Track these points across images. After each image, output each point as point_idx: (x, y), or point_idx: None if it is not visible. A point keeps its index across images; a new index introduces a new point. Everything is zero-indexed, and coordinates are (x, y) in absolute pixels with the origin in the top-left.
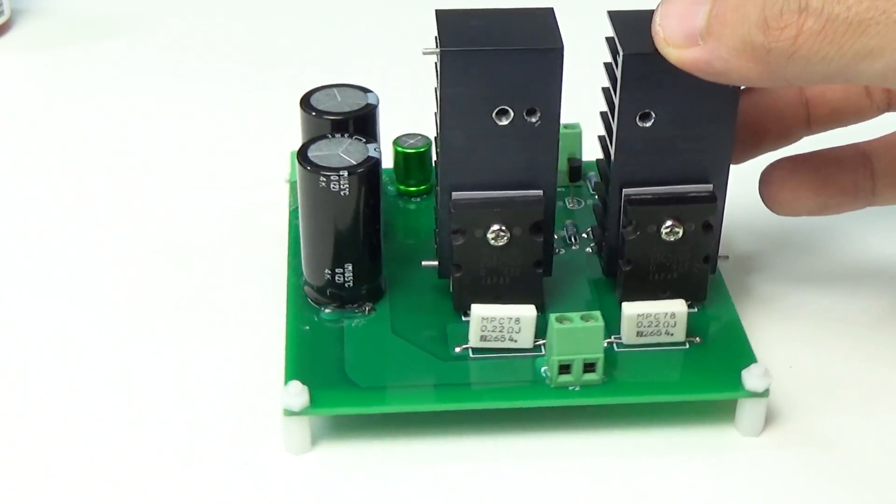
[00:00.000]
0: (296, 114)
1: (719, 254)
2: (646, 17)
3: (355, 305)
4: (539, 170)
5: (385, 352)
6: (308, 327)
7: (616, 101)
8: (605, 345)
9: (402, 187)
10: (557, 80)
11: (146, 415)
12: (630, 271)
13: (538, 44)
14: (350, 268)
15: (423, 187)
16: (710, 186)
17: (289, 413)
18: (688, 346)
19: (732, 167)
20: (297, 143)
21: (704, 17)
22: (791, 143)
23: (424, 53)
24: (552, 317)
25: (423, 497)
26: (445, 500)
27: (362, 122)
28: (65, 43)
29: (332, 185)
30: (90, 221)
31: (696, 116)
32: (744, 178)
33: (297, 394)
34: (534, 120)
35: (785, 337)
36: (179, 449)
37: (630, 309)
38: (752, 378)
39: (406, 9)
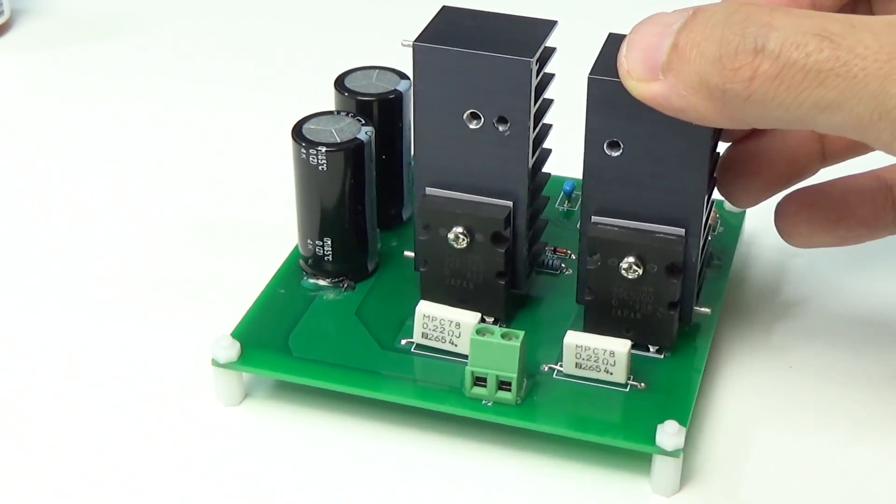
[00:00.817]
0: (297, 113)
1: (700, 306)
2: None
3: (336, 280)
4: (509, 180)
5: (336, 329)
6: (283, 291)
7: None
8: (546, 369)
9: None
10: (526, 92)
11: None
12: (592, 302)
13: (509, 52)
14: (329, 242)
15: None
16: (681, 231)
17: (215, 364)
18: (628, 388)
19: None
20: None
21: (666, 51)
22: (806, 179)
23: (403, 45)
24: (475, 327)
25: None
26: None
27: (387, 107)
28: (65, 43)
29: (311, 159)
30: (90, 221)
31: (666, 154)
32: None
33: (226, 347)
34: (503, 129)
35: (758, 404)
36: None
37: (571, 338)
38: (664, 434)
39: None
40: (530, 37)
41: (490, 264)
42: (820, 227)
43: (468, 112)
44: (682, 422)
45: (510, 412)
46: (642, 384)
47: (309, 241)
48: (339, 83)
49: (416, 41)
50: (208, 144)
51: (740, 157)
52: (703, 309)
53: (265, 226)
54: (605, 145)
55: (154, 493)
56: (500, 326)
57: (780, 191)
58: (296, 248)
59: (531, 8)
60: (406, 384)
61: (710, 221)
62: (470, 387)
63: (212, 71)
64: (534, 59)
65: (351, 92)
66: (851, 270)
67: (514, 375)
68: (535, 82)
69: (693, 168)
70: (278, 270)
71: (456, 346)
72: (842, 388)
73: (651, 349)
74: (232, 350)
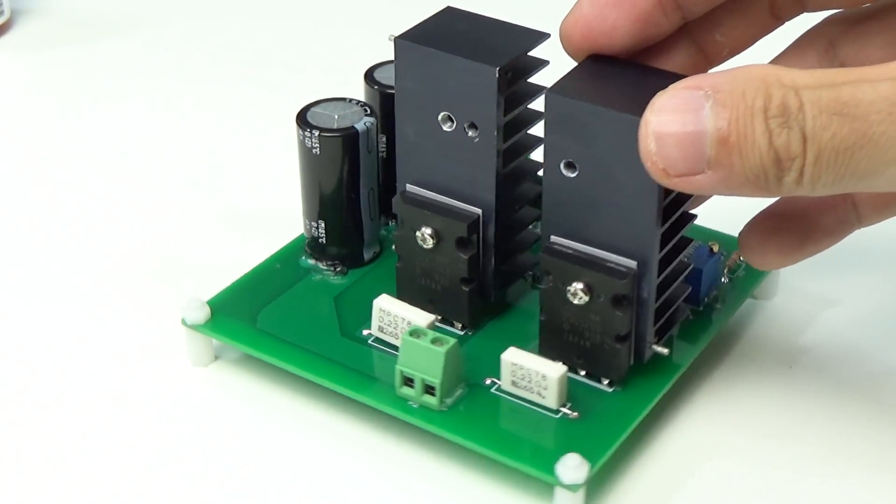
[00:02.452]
0: (292, 111)
1: (658, 347)
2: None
3: (330, 264)
4: (478, 187)
5: (308, 311)
6: (279, 266)
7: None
8: (489, 382)
9: None
10: (492, 100)
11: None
12: (545, 323)
13: (479, 58)
14: (322, 225)
15: None
16: (632, 263)
17: (183, 324)
18: (559, 415)
19: None
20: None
21: (711, 145)
22: (840, 240)
23: (389, 39)
24: (409, 328)
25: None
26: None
27: None
28: (65, 43)
29: (307, 142)
30: (90, 221)
31: (619, 182)
32: None
33: (195, 308)
34: (473, 134)
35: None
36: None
37: (509, 355)
38: (564, 466)
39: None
40: (512, 46)
41: (455, 269)
42: (788, 250)
43: (443, 114)
44: (594, 457)
45: (432, 417)
46: (575, 413)
47: (307, 221)
48: (369, 75)
49: (397, 37)
50: (209, 144)
51: (765, 219)
52: (659, 349)
53: (266, 222)
54: (562, 165)
55: (122, 447)
56: (465, 333)
57: (814, 251)
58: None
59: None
60: (347, 373)
61: (682, 257)
62: (399, 386)
63: (212, 71)
64: (499, 68)
65: (380, 84)
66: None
67: (438, 381)
68: (505, 91)
69: (644, 200)
70: (282, 248)
71: None
72: (808, 450)
73: (603, 381)
74: (200, 313)
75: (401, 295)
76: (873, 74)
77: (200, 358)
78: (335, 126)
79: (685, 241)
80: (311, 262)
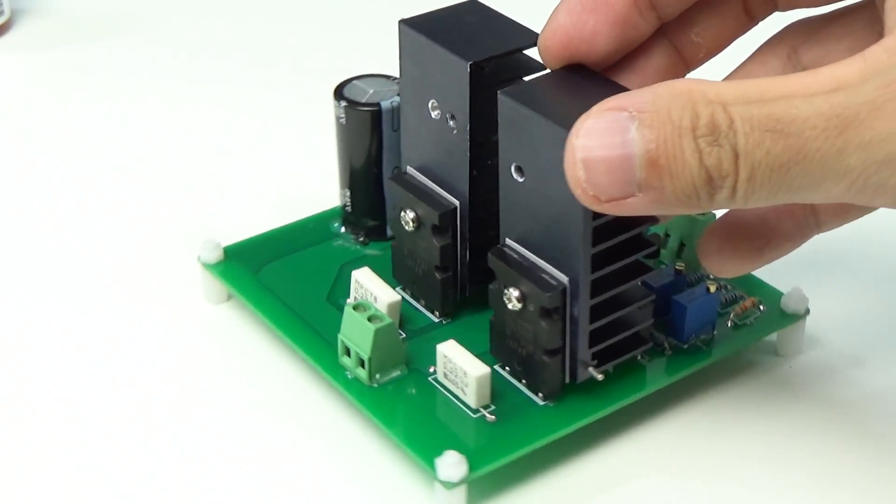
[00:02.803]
0: (297, 112)
1: (595, 371)
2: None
3: (354, 232)
4: (456, 178)
5: (311, 272)
6: (312, 226)
7: None
8: (431, 370)
9: None
10: (465, 94)
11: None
12: (493, 324)
13: (456, 52)
14: (349, 194)
15: None
16: (564, 278)
17: (198, 261)
18: (476, 414)
19: None
20: (298, 142)
21: (641, 168)
22: (800, 245)
23: (399, 22)
24: (354, 303)
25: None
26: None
27: None
28: (65, 43)
29: (336, 111)
30: (90, 221)
31: (555, 194)
32: None
33: (210, 249)
34: (452, 125)
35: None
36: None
37: (444, 347)
38: (442, 462)
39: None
40: (501, 43)
41: (430, 256)
42: (747, 256)
43: (431, 101)
44: (479, 461)
45: (360, 390)
46: (493, 417)
47: (340, 188)
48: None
49: (402, 21)
50: (209, 144)
51: (723, 225)
52: (594, 372)
53: (267, 220)
54: (512, 168)
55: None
56: (440, 321)
57: (773, 257)
58: None
59: None
60: (308, 335)
61: (634, 283)
62: (340, 354)
63: (212, 71)
64: (471, 63)
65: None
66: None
67: (367, 356)
68: (480, 87)
69: (573, 217)
70: (322, 212)
71: None
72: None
73: (538, 393)
74: (213, 254)
75: (395, 273)
76: (805, 88)
77: (213, 296)
78: (364, 100)
79: (640, 267)
80: (342, 229)
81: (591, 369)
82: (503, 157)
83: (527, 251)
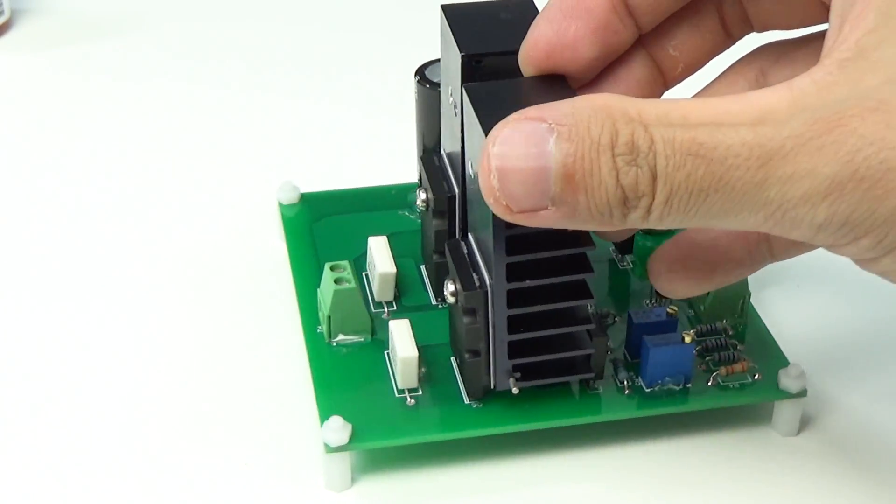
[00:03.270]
0: (298, 112)
1: (513, 384)
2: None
3: (422, 202)
4: (455, 167)
5: (357, 235)
6: (394, 192)
7: None
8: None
9: None
10: (458, 83)
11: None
12: (449, 314)
13: (461, 41)
14: (421, 166)
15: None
16: (489, 281)
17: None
18: (401, 395)
19: None
20: (299, 141)
21: (556, 181)
22: (753, 272)
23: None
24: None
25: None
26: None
27: None
28: (65, 43)
29: (414, 88)
30: (90, 221)
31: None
32: None
33: (288, 190)
34: (456, 112)
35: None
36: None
37: (393, 324)
38: (327, 427)
39: None
40: (510, 41)
41: (432, 238)
42: (696, 279)
43: (448, 87)
44: (368, 436)
45: (315, 345)
46: (413, 401)
47: (417, 157)
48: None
49: (443, 5)
50: (209, 144)
51: (674, 246)
52: (512, 384)
53: (266, 219)
54: (468, 162)
55: None
56: (436, 305)
57: (725, 281)
58: None
59: None
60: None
61: (573, 304)
62: (318, 308)
63: (212, 71)
64: (464, 54)
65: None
66: None
67: (327, 314)
68: (472, 77)
69: (491, 223)
70: (401, 184)
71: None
72: None
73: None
74: (291, 194)
75: (422, 250)
76: (731, 117)
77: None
78: (435, 80)
79: (578, 290)
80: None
81: (511, 381)
82: (465, 149)
83: (476, 248)
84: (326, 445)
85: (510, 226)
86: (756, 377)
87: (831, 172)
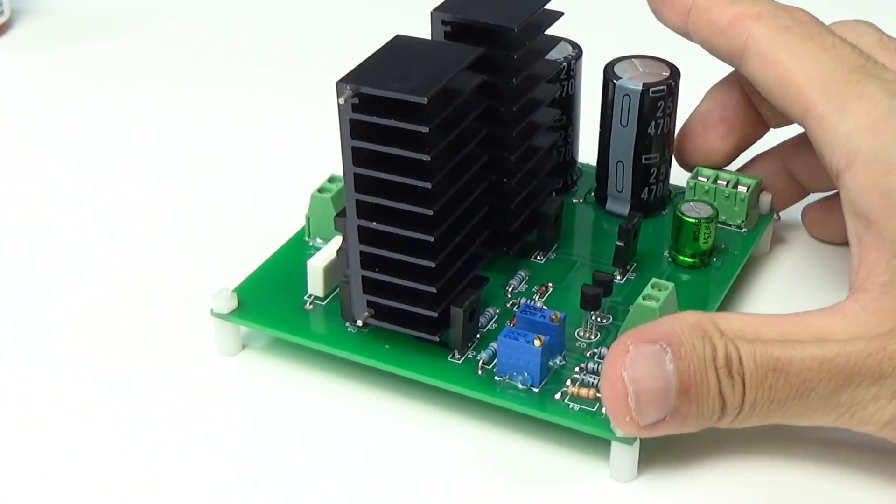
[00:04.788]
0: (298, 112)
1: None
2: None
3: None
4: None
5: None
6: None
7: None
8: None
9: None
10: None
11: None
12: None
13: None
14: None
15: (692, 261)
16: None
17: None
18: (307, 296)
19: None
20: (300, 141)
21: (674, 397)
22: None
23: None
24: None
25: None
26: None
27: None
28: (65, 43)
29: None
30: (90, 221)
31: None
32: None
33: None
34: None
35: None
36: None
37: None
38: (215, 295)
39: None
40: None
41: None
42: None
43: None
44: (241, 313)
45: (292, 242)
46: (311, 305)
47: None
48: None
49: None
50: (209, 144)
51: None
52: (358, 316)
53: (270, 223)
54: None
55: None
56: None
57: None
58: None
59: None
60: None
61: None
62: None
63: (212, 71)
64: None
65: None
66: None
67: (307, 214)
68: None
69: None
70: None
71: None
72: None
73: None
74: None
75: None
76: (794, 336)
77: None
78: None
79: (420, 246)
80: None
81: (365, 314)
82: None
83: None
84: (211, 310)
85: (358, 163)
86: (602, 409)
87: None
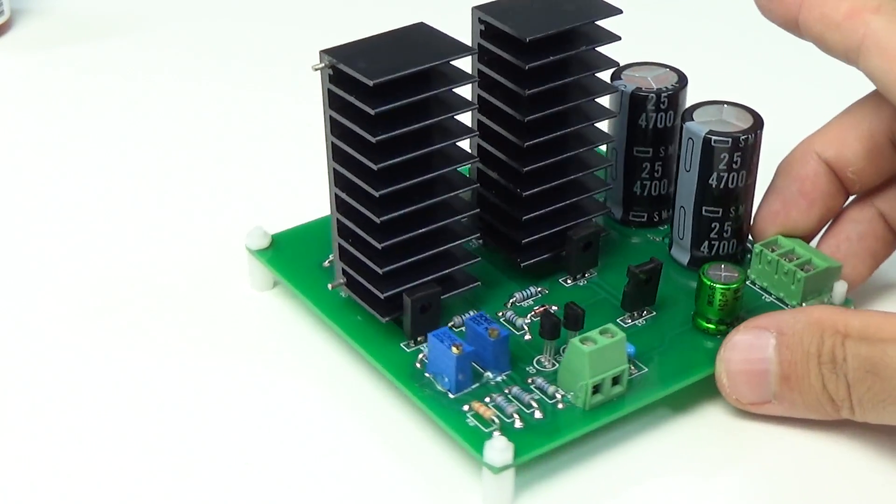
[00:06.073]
0: (298, 112)
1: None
2: None
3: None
4: None
5: None
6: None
7: None
8: None
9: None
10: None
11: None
12: None
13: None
14: None
15: (710, 326)
16: None
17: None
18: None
19: None
20: (300, 141)
21: (775, 383)
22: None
23: None
24: None
25: None
26: None
27: None
28: (65, 43)
29: None
30: (90, 221)
31: None
32: None
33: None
34: None
35: None
36: None
37: None
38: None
39: None
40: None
41: None
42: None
43: None
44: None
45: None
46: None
47: None
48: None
49: None
50: (210, 144)
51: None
52: (334, 282)
53: (271, 223)
54: None
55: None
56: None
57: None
58: None
59: None
60: None
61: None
62: None
63: (212, 70)
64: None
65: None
66: None
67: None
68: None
69: None
70: None
71: None
72: None
73: None
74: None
75: None
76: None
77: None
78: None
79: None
80: None
81: (338, 280)
82: None
83: None
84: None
85: (334, 133)
86: (492, 431)
87: None
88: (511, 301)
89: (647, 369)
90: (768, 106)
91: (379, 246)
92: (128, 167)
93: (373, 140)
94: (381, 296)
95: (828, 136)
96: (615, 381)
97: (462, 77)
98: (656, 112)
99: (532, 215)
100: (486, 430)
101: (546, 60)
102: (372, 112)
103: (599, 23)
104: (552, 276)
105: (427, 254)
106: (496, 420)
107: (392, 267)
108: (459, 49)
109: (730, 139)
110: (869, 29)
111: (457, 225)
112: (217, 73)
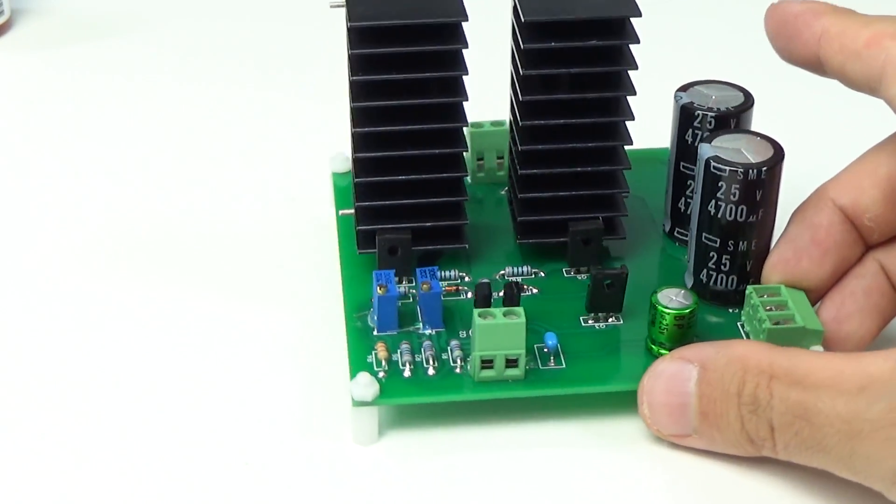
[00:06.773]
0: (298, 111)
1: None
2: None
3: None
4: None
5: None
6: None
7: None
8: None
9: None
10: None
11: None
12: None
13: None
14: None
15: (661, 351)
16: None
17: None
18: None
19: None
20: (300, 141)
21: (694, 418)
22: None
23: None
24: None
25: None
26: None
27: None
28: (65, 43)
29: None
30: (90, 221)
31: None
32: None
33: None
34: None
35: None
36: None
37: None
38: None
39: None
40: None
41: None
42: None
43: None
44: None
45: None
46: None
47: None
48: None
49: None
50: (210, 144)
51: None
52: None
53: (269, 223)
54: None
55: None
56: None
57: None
58: None
59: None
60: None
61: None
62: None
63: (212, 71)
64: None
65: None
66: None
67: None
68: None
69: None
70: None
71: None
72: None
73: None
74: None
75: None
76: (843, 380)
77: None
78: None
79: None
80: None
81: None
82: None
83: None
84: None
85: (353, 72)
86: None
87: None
88: (501, 273)
89: (564, 366)
90: (822, 148)
91: (355, 179)
92: (128, 167)
93: (350, 77)
94: (356, 228)
95: (843, 182)
96: (511, 362)
97: (452, 40)
98: (702, 130)
99: (529, 196)
100: (376, 370)
101: (543, 45)
102: (349, 52)
103: (633, 21)
104: (555, 262)
105: (407, 201)
106: (385, 363)
107: (367, 203)
108: (455, 13)
109: (727, 168)
110: (889, 55)
111: (443, 183)
112: (217, 73)
